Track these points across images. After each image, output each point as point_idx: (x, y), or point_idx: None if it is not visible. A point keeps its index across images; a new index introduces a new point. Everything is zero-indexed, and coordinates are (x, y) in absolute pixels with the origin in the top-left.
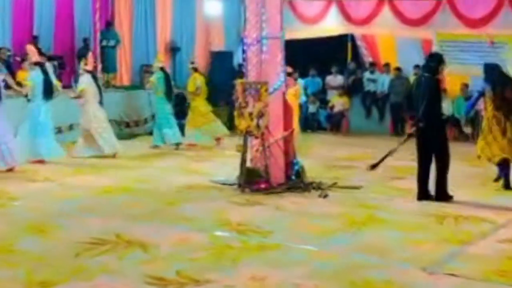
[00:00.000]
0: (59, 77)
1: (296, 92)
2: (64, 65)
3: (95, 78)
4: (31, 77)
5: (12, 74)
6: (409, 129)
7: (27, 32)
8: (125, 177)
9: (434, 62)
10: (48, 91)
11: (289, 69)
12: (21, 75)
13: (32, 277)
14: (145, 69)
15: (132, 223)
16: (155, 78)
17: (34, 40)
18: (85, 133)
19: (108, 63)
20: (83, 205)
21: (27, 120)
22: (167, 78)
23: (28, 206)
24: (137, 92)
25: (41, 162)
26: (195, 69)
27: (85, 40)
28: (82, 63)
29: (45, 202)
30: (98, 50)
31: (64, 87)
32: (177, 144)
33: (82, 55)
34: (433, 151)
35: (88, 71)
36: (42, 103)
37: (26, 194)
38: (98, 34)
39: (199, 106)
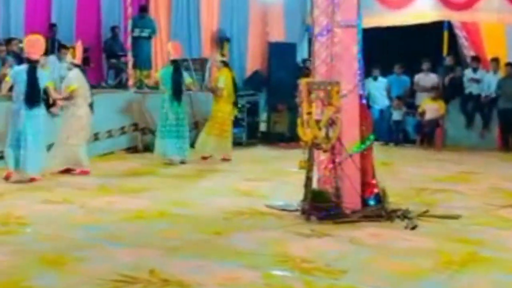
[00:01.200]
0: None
1: None
2: (89, 60)
3: (84, 74)
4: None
5: None
6: None
7: (44, 20)
8: (161, 199)
9: None
10: None
11: None
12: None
13: None
14: (186, 65)
15: (170, 256)
16: (159, 74)
17: (52, 29)
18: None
19: (141, 58)
20: (110, 233)
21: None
22: (176, 73)
23: (42, 233)
24: None
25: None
26: (225, 64)
27: (114, 29)
28: (69, 55)
29: (63, 229)
30: (129, 41)
31: (94, 87)
32: (181, 162)
33: (109, 46)
34: None
35: (76, 65)
36: None
37: (40, 218)
38: (130, 22)
39: (218, 111)
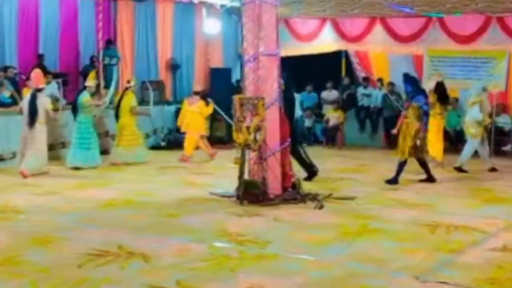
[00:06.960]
0: (63, 94)
1: (200, 109)
2: (68, 82)
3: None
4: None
5: (18, 91)
6: None
7: (33, 51)
8: (128, 190)
9: None
10: None
11: (198, 88)
12: (26, 92)
13: None
14: (146, 86)
15: (134, 234)
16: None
17: (40, 58)
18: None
19: (110, 81)
20: (86, 217)
21: None
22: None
23: (33, 219)
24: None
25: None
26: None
27: (92, 58)
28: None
29: (49, 215)
30: (100, 68)
31: (69, 103)
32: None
33: (87, 72)
34: None
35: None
36: None
37: (30, 207)
38: (101, 52)
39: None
